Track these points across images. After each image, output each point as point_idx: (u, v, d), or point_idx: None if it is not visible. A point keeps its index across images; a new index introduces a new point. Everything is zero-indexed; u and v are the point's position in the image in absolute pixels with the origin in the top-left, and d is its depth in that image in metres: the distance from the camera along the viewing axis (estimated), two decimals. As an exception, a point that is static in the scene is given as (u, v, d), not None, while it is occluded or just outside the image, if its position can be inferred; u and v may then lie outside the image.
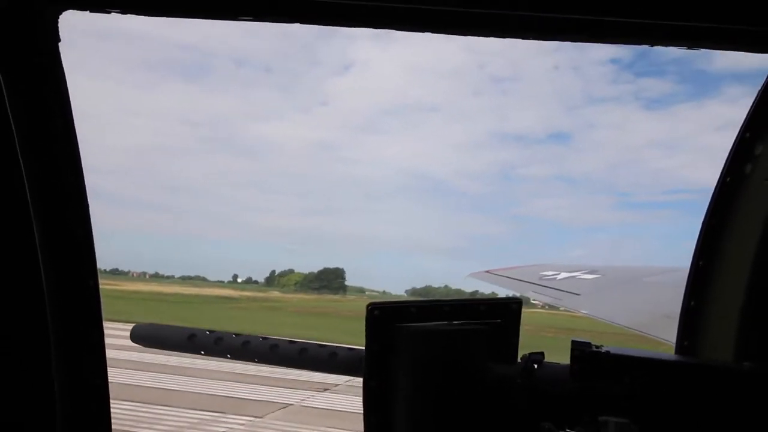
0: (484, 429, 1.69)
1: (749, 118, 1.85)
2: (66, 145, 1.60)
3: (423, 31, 1.65)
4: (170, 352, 2.27)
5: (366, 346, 1.71)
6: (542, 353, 1.75)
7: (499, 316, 1.80)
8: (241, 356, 1.94)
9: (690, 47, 1.66)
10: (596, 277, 9.31)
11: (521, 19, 1.58)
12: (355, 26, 1.58)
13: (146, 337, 2.03)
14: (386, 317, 1.69)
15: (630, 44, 1.66)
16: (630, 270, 9.60)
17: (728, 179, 1.91)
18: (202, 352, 1.96)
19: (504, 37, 1.70)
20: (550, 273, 10.62)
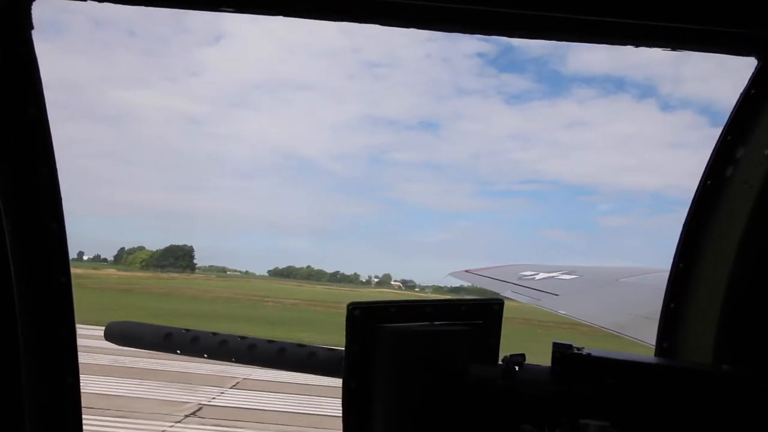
0: (464, 431, 1.67)
1: (730, 121, 1.86)
2: (39, 134, 1.54)
3: (416, 27, 1.62)
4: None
5: (346, 347, 1.68)
6: (523, 355, 1.74)
7: (480, 317, 1.79)
8: (219, 356, 1.90)
9: (674, 49, 1.66)
10: (574, 278, 9.39)
11: (505, 16, 1.56)
12: (346, 21, 1.56)
13: (120, 335, 1.98)
14: (367, 317, 1.67)
15: (613, 44, 1.66)
16: (607, 271, 9.71)
17: (709, 182, 1.92)
18: (179, 351, 1.91)
19: (486, 34, 1.68)
20: (529, 273, 10.69)
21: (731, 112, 1.85)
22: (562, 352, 1.67)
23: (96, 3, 1.50)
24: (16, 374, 1.52)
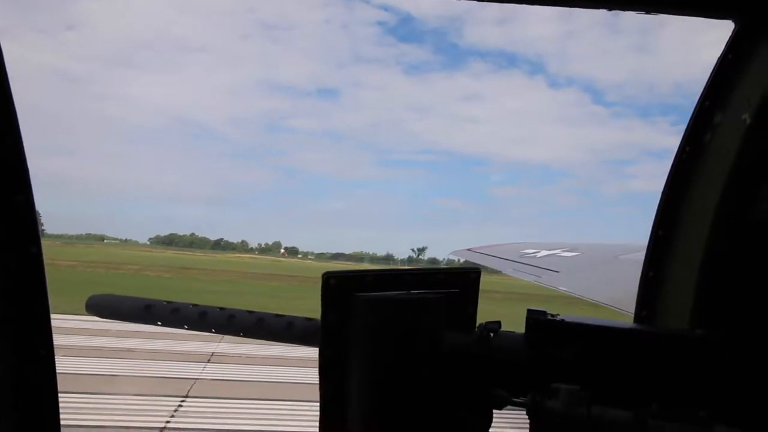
0: (437, 397, 1.69)
1: (708, 87, 1.84)
2: (2, 104, 1.54)
3: None
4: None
5: (322, 316, 1.69)
6: (499, 322, 1.74)
7: (457, 285, 1.79)
8: (199, 327, 1.92)
9: (648, 12, 1.64)
10: (575, 255, 9.40)
11: None
12: None
13: (102, 307, 2.00)
14: (343, 286, 1.68)
15: (585, 8, 1.63)
16: (607, 248, 9.70)
17: (687, 148, 1.90)
18: (159, 323, 1.93)
19: None
20: (531, 251, 10.70)
21: (708, 78, 1.83)
22: (535, 318, 1.68)
23: None
24: None
